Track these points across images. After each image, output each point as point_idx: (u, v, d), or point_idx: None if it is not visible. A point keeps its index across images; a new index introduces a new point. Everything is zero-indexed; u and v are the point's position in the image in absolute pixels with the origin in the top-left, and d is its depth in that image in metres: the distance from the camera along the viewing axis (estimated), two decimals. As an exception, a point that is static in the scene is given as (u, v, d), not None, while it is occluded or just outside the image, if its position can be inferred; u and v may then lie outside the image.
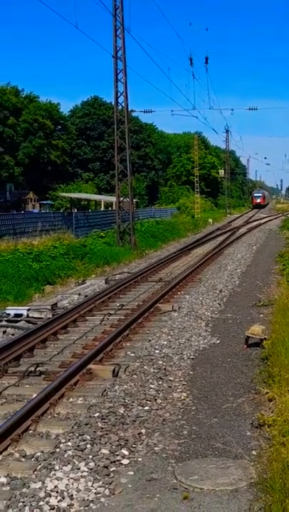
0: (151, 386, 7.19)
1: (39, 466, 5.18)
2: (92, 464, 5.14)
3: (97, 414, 6.23)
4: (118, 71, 27.62)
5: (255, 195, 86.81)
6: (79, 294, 15.13)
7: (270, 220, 47.73)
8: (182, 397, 6.93)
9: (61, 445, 5.54)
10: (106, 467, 5.15)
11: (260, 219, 50.20)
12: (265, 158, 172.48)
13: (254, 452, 5.40)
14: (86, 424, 5.96)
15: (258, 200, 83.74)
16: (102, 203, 49.13)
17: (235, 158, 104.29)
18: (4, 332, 11.08)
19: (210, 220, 52.35)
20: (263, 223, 43.87)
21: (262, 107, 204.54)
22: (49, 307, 12.68)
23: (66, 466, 5.08)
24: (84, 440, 5.57)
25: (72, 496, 4.69)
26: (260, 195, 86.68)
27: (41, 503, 4.58)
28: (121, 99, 27.93)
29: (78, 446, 5.46)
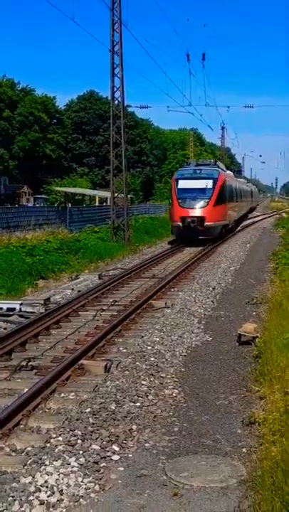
0: (143, 382, 7.19)
1: (29, 461, 5.17)
2: (82, 460, 5.15)
3: (88, 410, 6.23)
4: (115, 66, 27.52)
5: (183, 186, 26.46)
6: (72, 289, 15.10)
7: (264, 218, 47.81)
8: (173, 394, 6.94)
9: (52, 440, 5.54)
10: (96, 463, 5.15)
11: (254, 217, 50.30)
12: (260, 156, 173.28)
13: (244, 450, 5.42)
14: (77, 420, 5.96)
15: (191, 207, 25.53)
16: (97, 198, 49.06)
17: (230, 156, 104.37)
18: (-4, 326, 11.05)
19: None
20: (257, 221, 43.96)
21: (258, 105, 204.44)
22: (42, 301, 12.66)
23: (56, 461, 5.08)
24: (75, 435, 5.57)
25: (62, 491, 4.69)
26: (205, 186, 26.03)
27: (31, 497, 4.58)
28: (117, 94, 27.85)
29: (69, 441, 5.46)
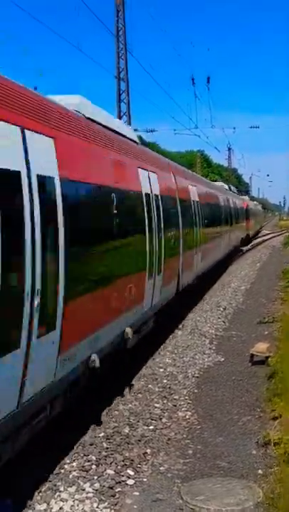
0: (156, 405, 7.16)
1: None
2: (97, 485, 5.11)
3: (102, 434, 6.20)
4: (121, 91, 27.95)
5: None
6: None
7: (273, 237, 47.74)
8: (187, 416, 6.89)
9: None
10: (111, 488, 5.12)
11: (263, 235, 50.21)
12: (268, 175, 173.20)
13: (260, 471, 5.36)
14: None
15: None
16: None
17: (237, 176, 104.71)
18: None
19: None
20: (267, 240, 43.88)
21: (264, 125, 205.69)
22: None
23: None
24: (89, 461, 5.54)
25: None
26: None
27: None
28: (124, 119, 28.22)
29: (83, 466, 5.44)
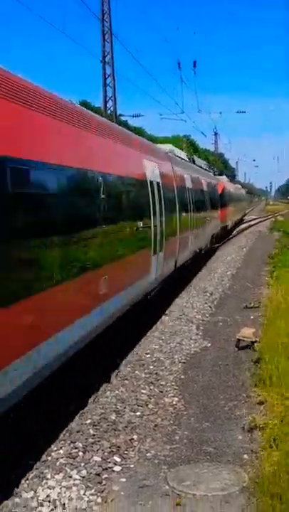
0: (143, 391, 7.18)
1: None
2: (84, 472, 5.13)
3: (88, 421, 6.21)
4: (106, 76, 27.69)
5: None
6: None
7: (260, 222, 47.89)
8: (174, 402, 6.92)
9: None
10: (98, 474, 5.13)
11: (250, 221, 50.37)
12: (254, 160, 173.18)
13: (246, 456, 5.41)
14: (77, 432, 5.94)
15: None
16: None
17: (224, 161, 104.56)
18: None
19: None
20: (253, 225, 44.03)
21: (251, 108, 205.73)
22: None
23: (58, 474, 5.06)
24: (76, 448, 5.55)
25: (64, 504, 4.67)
26: None
27: None
28: (110, 103, 27.99)
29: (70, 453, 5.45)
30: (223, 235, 30.07)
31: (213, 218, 23.95)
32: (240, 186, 43.74)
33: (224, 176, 45.31)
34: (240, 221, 45.73)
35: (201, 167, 16.82)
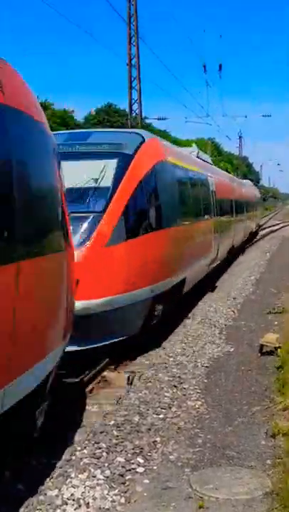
0: (166, 394, 7.22)
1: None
2: (107, 472, 5.19)
3: (112, 422, 6.27)
4: (132, 78, 27.82)
5: None
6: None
7: (284, 227, 47.49)
8: (196, 406, 6.95)
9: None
10: (122, 475, 5.19)
11: (273, 225, 49.97)
12: (279, 164, 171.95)
13: (269, 461, 5.41)
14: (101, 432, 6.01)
15: None
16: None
17: (248, 165, 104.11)
18: None
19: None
20: (276, 230, 43.69)
21: (276, 112, 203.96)
22: None
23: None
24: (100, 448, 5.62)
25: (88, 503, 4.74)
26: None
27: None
28: (135, 106, 28.10)
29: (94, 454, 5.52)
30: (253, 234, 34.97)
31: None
32: (251, 183, 41.99)
33: (248, 181, 45.15)
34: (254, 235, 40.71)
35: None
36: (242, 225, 25.43)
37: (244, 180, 34.99)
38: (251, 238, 32.84)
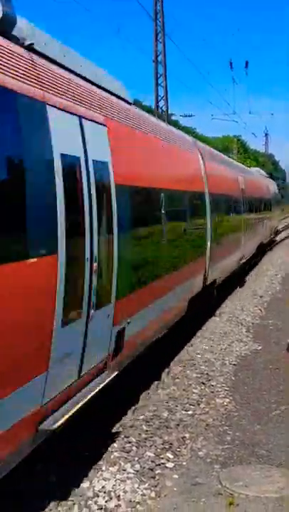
0: (194, 391, 7.25)
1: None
2: (137, 466, 5.24)
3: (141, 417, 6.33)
4: (158, 75, 27.80)
5: None
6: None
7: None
8: (225, 403, 6.96)
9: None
10: (151, 469, 5.24)
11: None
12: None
13: (299, 460, 5.40)
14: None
15: None
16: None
17: (274, 162, 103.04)
18: None
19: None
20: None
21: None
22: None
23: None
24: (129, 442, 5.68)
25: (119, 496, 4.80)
26: None
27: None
28: (161, 103, 28.09)
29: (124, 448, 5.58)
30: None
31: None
32: (266, 175, 38.14)
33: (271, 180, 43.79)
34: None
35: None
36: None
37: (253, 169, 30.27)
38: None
